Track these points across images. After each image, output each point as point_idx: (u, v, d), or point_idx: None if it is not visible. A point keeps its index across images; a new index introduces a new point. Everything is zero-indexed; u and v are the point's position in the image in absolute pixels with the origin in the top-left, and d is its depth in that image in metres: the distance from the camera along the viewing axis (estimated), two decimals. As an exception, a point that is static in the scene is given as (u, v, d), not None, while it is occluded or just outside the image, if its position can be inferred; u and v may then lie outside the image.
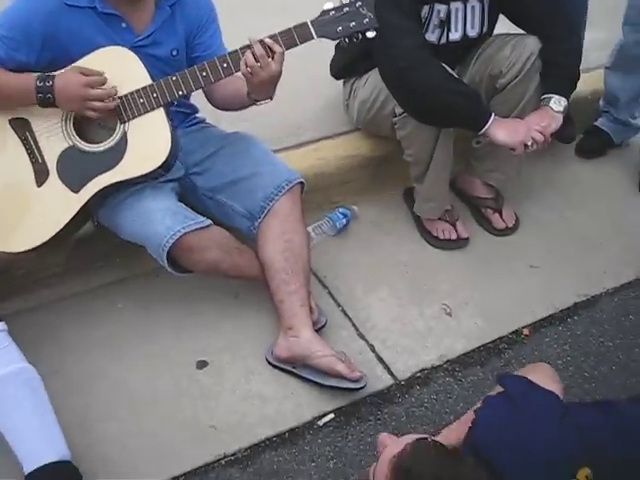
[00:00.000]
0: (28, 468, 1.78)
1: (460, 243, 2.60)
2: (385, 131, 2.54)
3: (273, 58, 1.95)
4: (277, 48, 1.95)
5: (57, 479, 1.78)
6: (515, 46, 2.40)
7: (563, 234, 2.69)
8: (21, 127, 2.03)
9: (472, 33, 2.46)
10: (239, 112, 2.31)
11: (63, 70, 1.98)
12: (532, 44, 2.39)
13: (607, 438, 1.65)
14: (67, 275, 2.34)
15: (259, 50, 1.93)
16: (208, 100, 2.31)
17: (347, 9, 2.00)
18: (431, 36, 2.40)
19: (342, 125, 2.77)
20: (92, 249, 2.36)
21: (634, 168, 2.97)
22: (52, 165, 2.02)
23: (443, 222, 2.60)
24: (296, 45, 1.99)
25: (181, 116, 2.30)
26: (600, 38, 3.06)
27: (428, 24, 2.38)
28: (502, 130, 2.26)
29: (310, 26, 1.99)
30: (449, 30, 2.42)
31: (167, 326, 2.26)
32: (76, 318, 2.26)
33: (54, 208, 2.02)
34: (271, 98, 2.13)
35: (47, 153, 2.02)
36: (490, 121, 2.25)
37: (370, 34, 2.02)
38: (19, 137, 2.03)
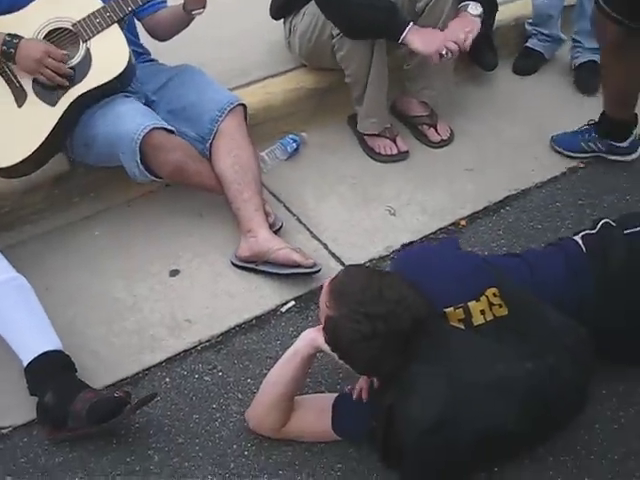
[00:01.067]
0: (26, 359, 2.02)
1: (401, 156, 2.87)
2: (326, 60, 2.79)
3: None
4: None
5: (53, 365, 2.02)
6: None
7: (494, 142, 2.97)
8: None
9: None
10: (189, 58, 2.58)
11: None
12: None
13: (518, 266, 1.95)
14: (47, 211, 2.58)
15: None
16: (149, 32, 2.59)
17: None
18: None
19: (286, 63, 3.03)
20: (68, 186, 2.60)
21: (562, 78, 3.28)
22: (28, 87, 2.29)
23: (384, 138, 2.86)
24: None
25: (135, 55, 2.54)
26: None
27: None
28: (419, 39, 2.53)
29: None
30: None
31: (140, 245, 2.51)
32: (59, 247, 2.50)
33: (36, 122, 2.28)
34: (204, 7, 2.40)
35: (23, 78, 2.29)
36: (407, 29, 2.51)
37: None
38: None
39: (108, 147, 2.36)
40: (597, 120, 2.81)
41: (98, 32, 2.29)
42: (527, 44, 3.35)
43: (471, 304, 1.84)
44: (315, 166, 2.84)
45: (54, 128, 2.31)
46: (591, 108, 2.94)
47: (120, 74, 2.31)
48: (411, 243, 2.52)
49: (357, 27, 2.57)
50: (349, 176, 2.80)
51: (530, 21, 3.32)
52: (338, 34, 2.62)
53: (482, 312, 1.84)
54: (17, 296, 2.08)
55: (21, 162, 2.31)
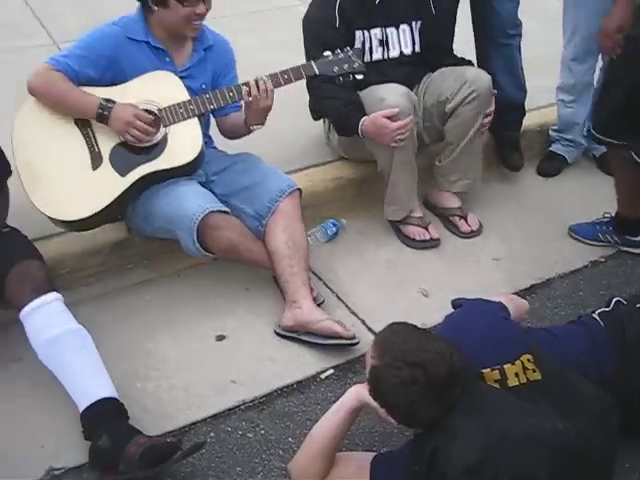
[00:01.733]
0: (84, 404, 2.16)
1: (432, 243, 3.06)
2: (362, 152, 3.03)
3: (267, 94, 2.54)
4: (269, 85, 2.54)
5: (109, 411, 2.15)
6: (456, 77, 2.96)
7: (520, 235, 3.16)
8: (84, 125, 2.56)
9: (407, 51, 3.03)
10: (242, 148, 2.86)
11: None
12: (469, 74, 2.95)
13: (548, 338, 2.10)
14: (103, 274, 2.77)
15: (261, 85, 2.53)
16: (222, 132, 2.86)
17: (342, 55, 2.68)
18: (376, 54, 2.98)
19: (326, 156, 3.28)
20: (125, 253, 2.80)
21: (584, 181, 3.49)
22: (106, 154, 2.54)
23: (417, 226, 3.07)
24: (302, 78, 2.63)
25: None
26: (544, 84, 3.60)
27: (371, 45, 2.95)
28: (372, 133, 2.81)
29: (314, 65, 2.63)
30: (388, 49, 2.98)
31: (188, 311, 2.68)
32: (112, 308, 2.67)
33: (105, 187, 2.52)
34: (262, 124, 2.67)
35: (102, 145, 2.54)
36: (360, 123, 2.80)
37: (359, 76, 2.68)
38: (81, 132, 2.55)
39: (167, 223, 2.58)
40: (613, 215, 3.01)
41: (179, 121, 2.54)
42: (551, 148, 3.60)
43: (507, 367, 1.99)
44: (353, 250, 3.04)
45: (119, 196, 2.53)
46: (608, 203, 3.13)
47: (189, 162, 2.56)
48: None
49: (335, 126, 2.97)
50: (384, 260, 2.99)
51: (554, 127, 3.57)
52: None
53: (516, 375, 1.98)
54: (78, 345, 2.24)
55: (82, 220, 2.53)
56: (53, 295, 2.29)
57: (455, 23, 3.17)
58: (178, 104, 2.56)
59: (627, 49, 2.69)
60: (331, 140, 3.20)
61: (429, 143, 3.18)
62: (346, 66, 2.66)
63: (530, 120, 3.61)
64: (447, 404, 1.85)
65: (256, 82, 2.54)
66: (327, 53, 2.67)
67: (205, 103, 2.58)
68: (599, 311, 2.29)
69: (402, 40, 3.01)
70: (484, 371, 1.99)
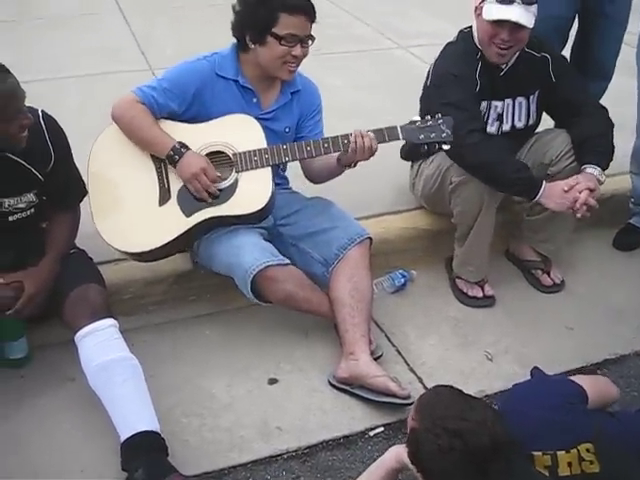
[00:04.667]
0: (125, 435, 2.15)
1: (487, 301, 2.96)
2: (444, 205, 2.94)
3: (372, 149, 2.50)
4: (374, 145, 2.50)
5: (149, 445, 2.14)
6: (562, 140, 2.86)
7: (598, 303, 3.01)
8: (158, 159, 2.56)
9: (519, 125, 2.92)
10: (321, 188, 2.82)
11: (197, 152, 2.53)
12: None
13: (614, 431, 1.97)
14: (165, 304, 2.78)
15: (367, 141, 2.48)
16: (304, 172, 2.80)
17: (430, 123, 2.57)
18: (491, 128, 2.87)
19: (405, 204, 3.22)
20: (188, 285, 2.80)
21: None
22: (174, 192, 2.53)
23: (474, 284, 2.97)
24: (385, 142, 2.56)
25: (277, 182, 2.76)
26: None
27: (487, 118, 2.85)
28: (551, 199, 2.67)
29: (399, 129, 2.55)
30: (502, 122, 2.89)
31: (245, 350, 2.66)
32: (170, 339, 2.68)
33: (168, 225, 2.50)
34: (355, 165, 2.62)
35: (173, 182, 2.54)
36: (541, 191, 2.66)
37: (445, 147, 2.58)
38: (154, 165, 2.56)
39: (225, 269, 2.57)
40: None
41: (252, 168, 2.51)
42: (630, 221, 3.42)
43: (560, 454, 1.87)
44: (420, 304, 2.95)
45: (181, 235, 2.52)
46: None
47: (255, 212, 2.52)
48: (505, 392, 2.54)
49: (503, 190, 2.78)
50: (452, 318, 2.89)
51: (633, 200, 3.39)
52: (457, 181, 2.79)
53: (569, 464, 1.87)
54: (128, 375, 2.23)
55: (145, 252, 2.53)
56: (109, 321, 2.30)
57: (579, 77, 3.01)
58: (254, 151, 2.52)
59: None
60: (415, 188, 3.13)
61: (520, 201, 3.07)
62: (433, 135, 2.55)
63: (618, 184, 3.45)
64: (488, 478, 1.74)
65: (361, 135, 2.49)
66: (416, 118, 2.58)
67: (281, 154, 2.53)
68: None
69: (516, 113, 2.91)
70: (535, 454, 1.88)
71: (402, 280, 2.98)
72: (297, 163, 2.74)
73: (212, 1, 5.39)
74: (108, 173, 2.57)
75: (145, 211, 2.52)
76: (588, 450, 1.88)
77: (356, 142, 2.48)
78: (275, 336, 2.72)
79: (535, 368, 2.25)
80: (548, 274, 3.08)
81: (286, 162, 2.60)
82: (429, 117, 2.55)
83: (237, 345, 2.68)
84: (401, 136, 2.54)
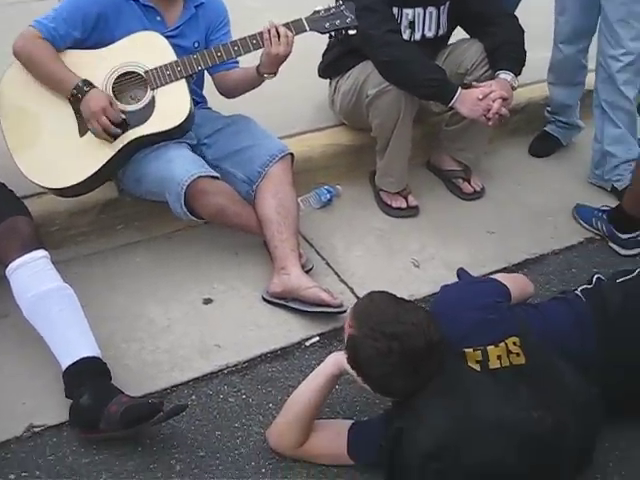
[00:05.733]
0: (66, 362, 2.15)
1: (411, 211, 3.05)
2: (363, 120, 2.99)
3: (288, 40, 2.48)
4: (289, 33, 2.49)
5: (92, 370, 2.15)
6: (476, 50, 2.92)
7: (517, 209, 3.14)
8: None
9: (429, 34, 2.97)
10: (240, 109, 2.81)
11: (101, 89, 2.47)
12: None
13: (537, 324, 2.09)
14: (93, 234, 2.76)
15: (282, 31, 2.47)
16: (219, 90, 2.79)
17: (333, 10, 2.58)
18: (404, 35, 2.89)
19: (327, 121, 3.25)
20: (115, 213, 2.78)
21: (578, 162, 3.44)
22: None
23: (397, 195, 3.06)
24: (293, 34, 2.51)
25: (195, 102, 2.74)
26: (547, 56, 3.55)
27: (399, 25, 2.87)
28: (465, 105, 2.73)
29: (304, 21, 2.55)
30: (414, 31, 2.92)
31: (177, 274, 2.67)
32: (101, 269, 2.67)
33: (93, 153, 2.48)
34: (275, 74, 2.61)
35: None
36: (456, 96, 2.72)
37: (351, 32, 2.59)
38: (68, 97, 2.49)
39: (157, 187, 2.55)
40: (614, 207, 2.98)
41: (166, 83, 2.49)
42: (545, 128, 3.54)
43: (490, 348, 1.97)
44: (346, 217, 3.02)
45: (108, 161, 2.50)
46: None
47: (177, 126, 2.51)
48: (433, 294, 2.64)
49: (417, 92, 2.81)
50: (377, 229, 2.97)
51: (549, 109, 3.50)
52: (373, 93, 2.83)
53: (499, 357, 1.97)
54: (64, 304, 2.23)
55: (72, 186, 2.50)
56: (40, 252, 2.28)
57: None
58: (165, 66, 2.49)
59: None
60: (334, 104, 3.16)
61: (438, 113, 3.15)
62: (338, 22, 2.57)
63: (535, 93, 3.56)
64: (422, 376, 1.85)
65: (275, 28, 2.48)
66: (319, 8, 2.58)
67: (193, 64, 2.52)
68: (581, 288, 2.28)
69: (426, 23, 2.94)
70: (466, 350, 1.97)
71: (328, 195, 3.03)
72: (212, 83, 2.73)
73: None
74: (21, 109, 2.51)
75: (67, 144, 2.48)
76: (515, 343, 1.99)
77: (269, 32, 2.48)
78: (206, 258, 2.75)
79: (461, 269, 2.36)
80: (469, 182, 3.18)
81: (199, 71, 2.57)
82: (330, 5, 2.57)
83: (169, 270, 2.70)
84: (307, 27, 2.54)
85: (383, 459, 1.92)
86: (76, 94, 2.44)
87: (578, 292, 2.26)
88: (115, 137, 2.46)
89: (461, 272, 2.35)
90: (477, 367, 1.95)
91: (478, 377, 1.93)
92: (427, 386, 1.86)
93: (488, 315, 2.03)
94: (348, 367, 1.94)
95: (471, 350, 1.96)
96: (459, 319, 2.01)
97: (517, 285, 2.27)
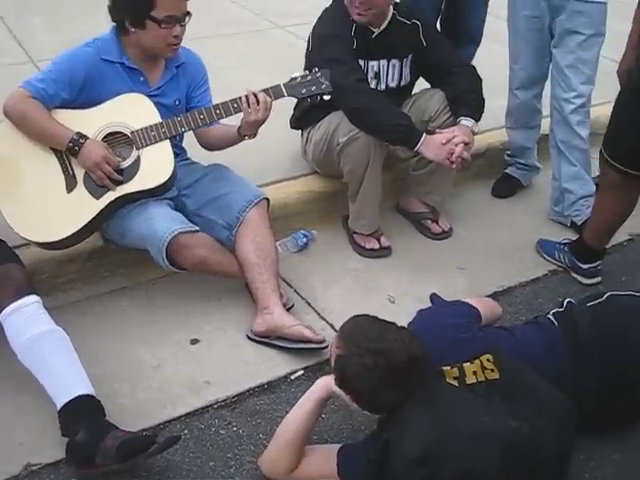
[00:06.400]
0: (62, 402, 2.23)
1: (384, 252, 3.20)
2: (335, 167, 3.15)
3: (266, 106, 2.64)
4: (268, 99, 2.65)
5: (86, 408, 2.22)
6: (438, 98, 3.12)
7: (484, 247, 3.31)
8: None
9: (392, 84, 3.17)
10: (218, 159, 2.95)
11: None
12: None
13: (508, 343, 2.23)
14: (80, 282, 2.86)
15: (261, 97, 2.62)
16: (200, 142, 2.93)
17: (310, 77, 2.77)
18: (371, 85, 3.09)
19: (300, 170, 3.42)
20: (100, 261, 2.89)
21: (538, 201, 3.64)
22: (80, 178, 2.62)
23: (370, 236, 3.21)
24: (271, 100, 2.68)
25: (175, 153, 2.88)
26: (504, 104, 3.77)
27: (366, 76, 3.07)
28: (430, 149, 2.91)
29: (282, 87, 2.73)
30: (379, 81, 3.12)
31: (163, 317, 2.78)
32: (89, 314, 2.75)
33: (79, 210, 2.60)
34: (255, 135, 2.77)
35: (77, 169, 2.62)
36: (421, 141, 2.90)
37: (326, 97, 2.78)
38: (56, 155, 2.63)
39: (140, 241, 2.67)
40: (574, 239, 3.16)
41: (151, 144, 2.63)
42: (506, 171, 3.74)
43: (465, 365, 2.12)
44: (322, 259, 3.16)
45: (94, 217, 2.62)
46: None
47: (161, 184, 2.64)
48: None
49: (385, 138, 2.98)
50: (352, 269, 3.11)
51: (508, 152, 3.71)
52: (344, 141, 3.00)
53: (475, 373, 2.11)
54: (57, 345, 2.31)
55: (59, 240, 2.61)
56: (33, 298, 2.37)
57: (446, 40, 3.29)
58: (150, 127, 2.63)
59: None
60: (306, 154, 3.33)
61: (405, 158, 3.32)
62: (314, 88, 2.75)
63: (494, 139, 3.77)
64: (407, 389, 1.97)
65: (255, 95, 2.63)
66: (295, 75, 2.76)
67: (177, 126, 2.66)
68: (553, 311, 2.42)
69: (389, 74, 3.15)
70: (444, 368, 2.11)
71: (304, 239, 3.17)
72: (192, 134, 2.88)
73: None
74: (10, 165, 2.63)
75: (54, 200, 2.60)
76: (489, 360, 2.13)
77: (248, 100, 2.63)
78: (191, 303, 2.86)
79: (434, 294, 2.50)
80: (437, 223, 3.35)
81: (183, 133, 2.73)
82: (307, 72, 2.76)
83: (155, 314, 2.80)
84: (285, 93, 2.72)
85: (372, 474, 2.02)
86: (72, 147, 2.57)
87: (550, 316, 2.40)
88: (117, 183, 2.59)
89: (434, 297, 2.49)
90: (455, 383, 2.09)
91: (457, 391, 2.06)
92: (410, 399, 1.98)
93: (462, 334, 2.17)
94: (336, 389, 2.05)
95: (449, 368, 2.10)
96: (436, 339, 2.14)
97: (486, 308, 2.42)
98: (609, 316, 2.35)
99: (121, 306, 2.83)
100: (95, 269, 2.89)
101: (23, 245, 2.73)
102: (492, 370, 2.12)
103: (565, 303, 2.43)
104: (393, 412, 2.02)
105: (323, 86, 2.76)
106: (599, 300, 2.41)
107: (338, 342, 2.06)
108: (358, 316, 2.12)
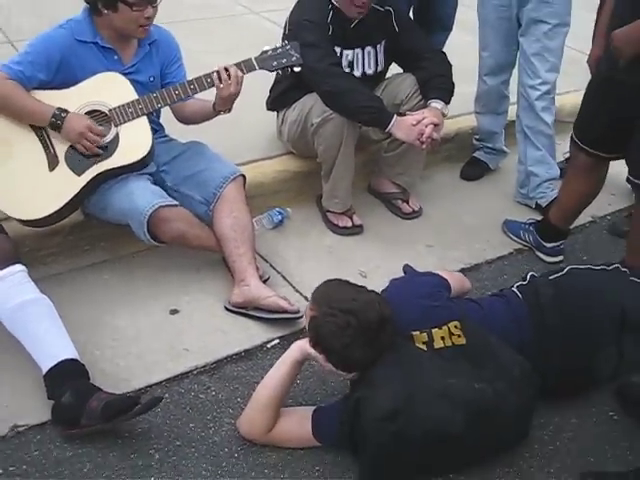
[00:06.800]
0: (47, 366, 2.32)
1: (355, 230, 3.33)
2: (309, 147, 3.26)
3: (238, 80, 2.73)
4: (239, 73, 2.74)
5: (72, 371, 2.32)
6: (409, 82, 3.24)
7: (452, 226, 3.44)
8: (38, 128, 2.70)
9: (369, 71, 3.29)
10: (196, 138, 3.05)
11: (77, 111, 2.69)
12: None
13: (476, 314, 2.36)
14: (61, 255, 2.94)
15: (232, 71, 2.71)
16: (176, 117, 3.02)
17: (280, 50, 2.84)
18: None
19: (276, 150, 3.52)
20: (81, 235, 2.97)
21: (505, 184, 3.78)
22: (61, 155, 2.70)
23: (343, 215, 3.33)
24: (243, 74, 2.77)
25: (153, 131, 2.97)
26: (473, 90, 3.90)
27: (340, 64, 3.18)
28: (401, 130, 3.03)
29: (254, 61, 2.81)
30: (352, 69, 3.23)
31: (143, 289, 2.87)
32: (70, 286, 2.83)
33: (62, 187, 2.68)
34: (229, 110, 2.86)
35: (58, 147, 2.70)
36: (392, 122, 3.02)
37: (297, 69, 2.87)
38: (37, 135, 2.70)
39: (120, 216, 2.76)
40: (539, 219, 3.30)
41: (129, 120, 2.72)
42: (474, 154, 3.88)
43: (434, 330, 2.25)
44: (297, 235, 3.27)
45: (76, 194, 2.70)
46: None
47: (140, 159, 2.73)
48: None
49: (357, 119, 3.10)
50: (326, 246, 3.23)
51: (477, 136, 3.85)
52: (317, 122, 3.11)
53: (442, 338, 2.24)
54: (42, 312, 2.40)
55: (42, 218, 2.70)
56: (18, 267, 2.44)
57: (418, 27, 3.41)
58: (127, 104, 2.72)
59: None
60: (282, 135, 3.43)
61: (377, 140, 3.43)
62: (284, 60, 2.84)
63: (464, 123, 3.90)
64: (377, 347, 2.11)
65: (226, 69, 2.72)
66: (266, 48, 2.85)
67: (153, 102, 2.74)
68: (517, 284, 2.56)
69: (366, 61, 3.26)
70: (414, 333, 2.24)
71: (279, 217, 3.28)
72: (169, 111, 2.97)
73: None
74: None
75: (37, 178, 2.68)
76: (456, 327, 2.26)
77: (220, 75, 2.72)
78: (170, 275, 2.95)
79: (407, 265, 2.62)
80: (407, 203, 3.48)
81: (159, 108, 2.81)
82: (278, 45, 2.85)
83: (135, 285, 2.89)
84: (257, 66, 2.81)
85: (344, 434, 2.14)
86: (55, 121, 2.65)
87: (514, 288, 2.54)
88: (105, 150, 2.68)
89: (407, 267, 2.62)
90: (424, 347, 2.22)
91: (425, 354, 2.20)
92: (380, 361, 2.11)
93: (432, 302, 2.30)
94: (311, 350, 2.17)
95: (418, 333, 2.23)
96: (407, 306, 2.26)
97: (456, 281, 2.55)
98: (569, 288, 2.49)
99: (102, 278, 2.91)
100: (76, 242, 2.97)
101: (3, 220, 2.80)
102: (459, 336, 2.25)
103: (528, 276, 2.57)
104: (364, 372, 2.14)
105: (293, 58, 2.84)
106: (560, 274, 2.55)
107: (312, 304, 2.18)
108: (330, 280, 2.24)
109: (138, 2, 2.64)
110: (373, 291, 2.22)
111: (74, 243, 2.97)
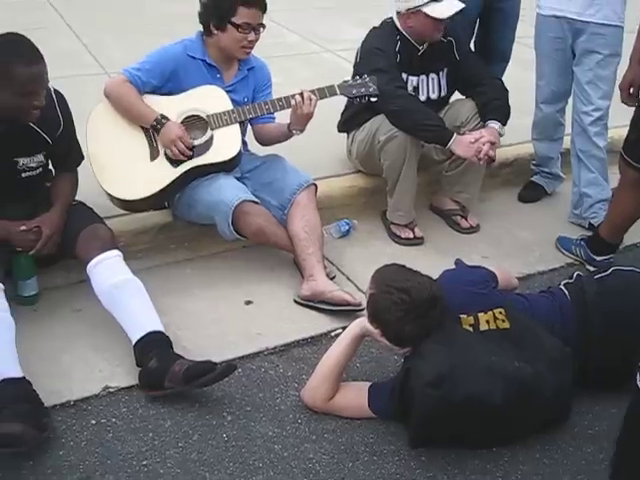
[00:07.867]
0: (136, 337, 2.63)
1: (417, 241, 3.60)
2: (375, 165, 3.57)
3: (311, 103, 3.09)
4: (313, 97, 3.10)
5: (158, 341, 2.63)
6: (469, 106, 3.54)
7: (508, 241, 3.68)
8: None
9: (433, 96, 3.59)
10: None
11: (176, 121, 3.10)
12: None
13: (521, 305, 2.59)
14: (150, 252, 3.29)
15: (305, 95, 3.08)
16: (256, 138, 3.40)
17: (360, 81, 3.24)
18: None
19: (345, 169, 3.85)
20: (169, 235, 3.33)
21: (560, 207, 3.99)
22: (162, 150, 3.10)
23: (405, 227, 3.61)
24: (326, 97, 3.18)
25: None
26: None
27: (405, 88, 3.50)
28: (460, 147, 3.32)
29: (336, 87, 3.20)
30: (417, 94, 3.54)
31: (222, 284, 3.20)
32: (157, 278, 3.15)
33: (159, 175, 3.08)
34: (302, 131, 3.21)
35: (160, 142, 3.10)
36: (452, 139, 3.31)
37: (373, 99, 3.25)
38: (144, 131, 3.12)
39: (207, 210, 3.11)
40: (590, 235, 3.51)
41: (223, 126, 3.11)
42: (532, 178, 4.11)
43: (480, 314, 2.49)
44: (362, 244, 3.57)
45: (171, 183, 3.08)
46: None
47: (230, 159, 3.11)
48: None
49: (420, 136, 3.40)
50: (390, 254, 3.49)
51: (534, 162, 4.08)
52: (383, 139, 3.42)
53: (487, 322, 2.48)
54: (134, 291, 2.74)
55: (138, 200, 3.08)
56: (116, 252, 2.80)
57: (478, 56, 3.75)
58: (223, 112, 3.12)
59: None
60: (351, 154, 3.75)
61: (439, 160, 3.71)
62: (363, 90, 3.23)
63: (522, 150, 4.15)
64: (427, 324, 2.35)
65: (301, 93, 3.10)
66: (347, 78, 3.24)
67: (245, 112, 3.15)
68: (564, 282, 2.77)
69: (430, 87, 3.58)
70: (462, 316, 2.48)
71: (347, 227, 3.58)
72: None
73: (148, 15, 5.97)
74: (105, 141, 3.12)
75: (139, 165, 3.09)
76: (501, 313, 2.50)
77: (295, 98, 3.09)
78: (246, 272, 3.28)
79: (458, 259, 2.87)
80: (466, 219, 3.74)
81: (250, 118, 3.20)
82: (358, 77, 3.23)
83: (215, 280, 3.22)
84: (338, 92, 3.19)
85: (394, 396, 2.38)
86: (156, 125, 3.06)
87: (561, 286, 2.75)
88: (188, 158, 3.06)
89: (458, 261, 2.86)
90: (470, 329, 2.46)
91: (471, 335, 2.44)
92: (430, 338, 2.36)
93: (479, 290, 2.54)
94: (369, 325, 2.43)
95: (465, 316, 2.47)
96: (456, 292, 2.51)
97: (504, 275, 2.79)
98: (613, 286, 2.68)
99: (185, 273, 3.25)
100: (164, 241, 3.33)
101: (105, 218, 3.17)
102: (503, 321, 2.48)
103: (575, 275, 2.78)
104: (415, 348, 2.39)
105: (371, 89, 3.22)
106: (605, 273, 2.75)
107: (371, 284, 2.45)
108: (388, 265, 2.51)
109: (244, 25, 3.06)
110: (427, 275, 2.48)
111: (162, 242, 3.32)
